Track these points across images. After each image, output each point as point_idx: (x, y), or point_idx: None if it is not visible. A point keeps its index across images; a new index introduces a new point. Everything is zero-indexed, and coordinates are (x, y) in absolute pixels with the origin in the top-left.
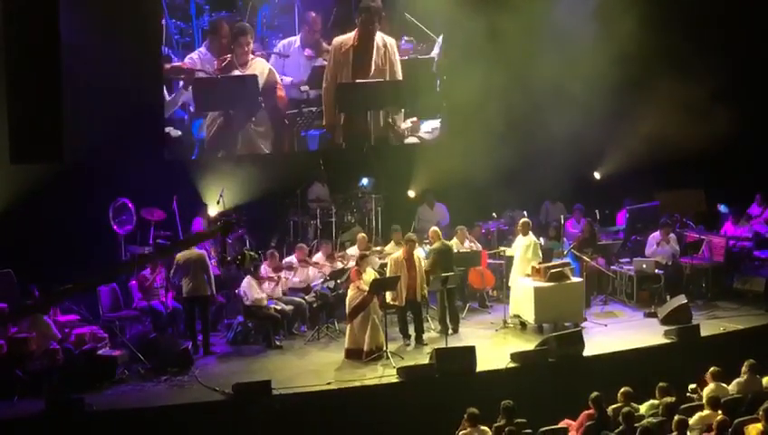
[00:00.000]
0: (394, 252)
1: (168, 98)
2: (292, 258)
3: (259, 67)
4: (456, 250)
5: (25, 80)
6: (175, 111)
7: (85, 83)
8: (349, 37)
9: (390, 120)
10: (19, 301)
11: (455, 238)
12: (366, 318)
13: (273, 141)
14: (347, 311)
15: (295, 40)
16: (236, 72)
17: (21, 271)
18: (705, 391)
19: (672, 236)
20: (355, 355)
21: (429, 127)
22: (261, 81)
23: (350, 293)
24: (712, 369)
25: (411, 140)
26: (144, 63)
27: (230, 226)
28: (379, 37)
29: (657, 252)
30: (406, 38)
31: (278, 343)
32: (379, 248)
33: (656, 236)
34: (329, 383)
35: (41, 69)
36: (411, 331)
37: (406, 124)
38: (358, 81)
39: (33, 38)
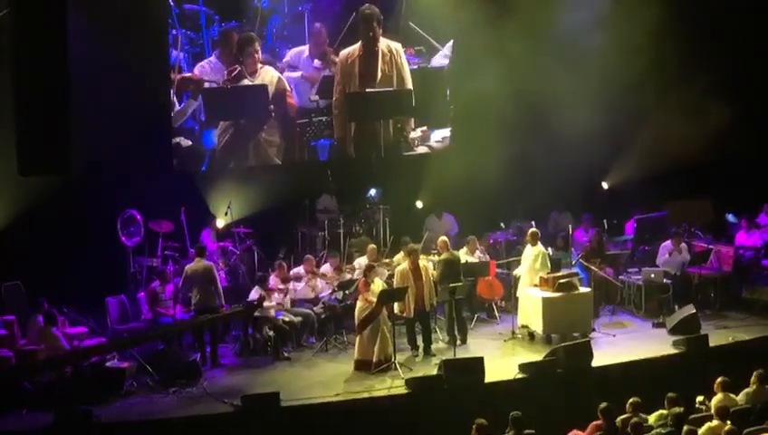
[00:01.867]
0: (403, 263)
1: (178, 107)
2: (300, 269)
3: (268, 76)
4: (465, 261)
5: (33, 91)
6: (186, 121)
7: (93, 94)
8: (354, 48)
9: (400, 126)
10: (28, 313)
11: (465, 248)
12: (375, 329)
13: (283, 151)
14: (356, 322)
15: (304, 50)
16: (246, 82)
17: (29, 283)
18: (714, 402)
19: (683, 245)
20: (364, 366)
21: (439, 136)
22: (270, 89)
23: (358, 304)
24: (720, 379)
25: (421, 149)
26: (152, 74)
27: (252, 308)
28: (384, 43)
29: (669, 262)
30: (415, 48)
31: (286, 354)
32: (387, 260)
33: (667, 245)
34: (337, 395)
35: (49, 80)
36: (419, 342)
37: (416, 133)
38: (367, 90)
39: (40, 50)
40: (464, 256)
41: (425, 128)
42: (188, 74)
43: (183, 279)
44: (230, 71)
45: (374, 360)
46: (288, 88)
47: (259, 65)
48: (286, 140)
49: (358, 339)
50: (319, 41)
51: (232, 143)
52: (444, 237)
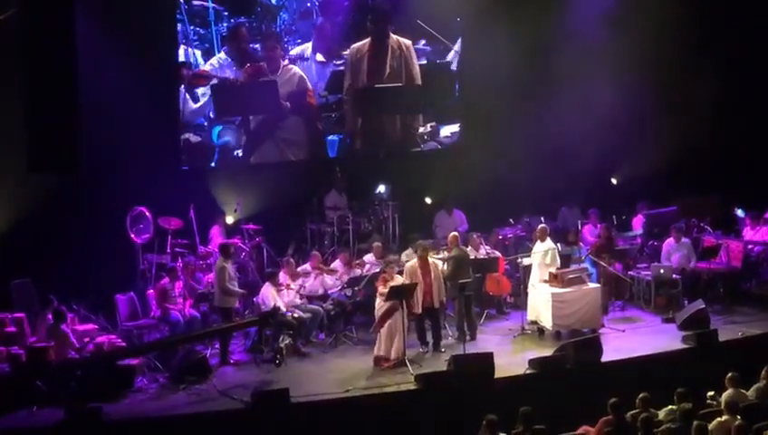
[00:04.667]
0: (411, 259)
1: (193, 105)
2: (307, 266)
3: (289, 74)
4: (475, 257)
5: (43, 89)
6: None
7: (102, 92)
8: (363, 43)
9: (408, 122)
10: (38, 311)
11: (468, 246)
12: (393, 326)
13: (302, 149)
14: (375, 318)
15: (308, 47)
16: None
17: (39, 280)
18: (724, 397)
19: (685, 240)
20: (383, 362)
21: (448, 131)
22: (290, 88)
23: (377, 300)
24: (730, 374)
25: (430, 145)
26: (160, 71)
27: (266, 318)
28: (394, 40)
29: (673, 260)
30: (423, 41)
31: (303, 350)
32: (396, 256)
33: (669, 243)
34: (347, 391)
35: (58, 78)
36: (429, 338)
37: (425, 129)
38: (376, 85)
39: (49, 49)
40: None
41: (433, 123)
42: (198, 70)
43: None
44: (252, 67)
45: (392, 356)
46: (310, 88)
47: (283, 62)
48: (309, 138)
49: (378, 335)
50: (323, 35)
51: (248, 141)
52: (455, 233)
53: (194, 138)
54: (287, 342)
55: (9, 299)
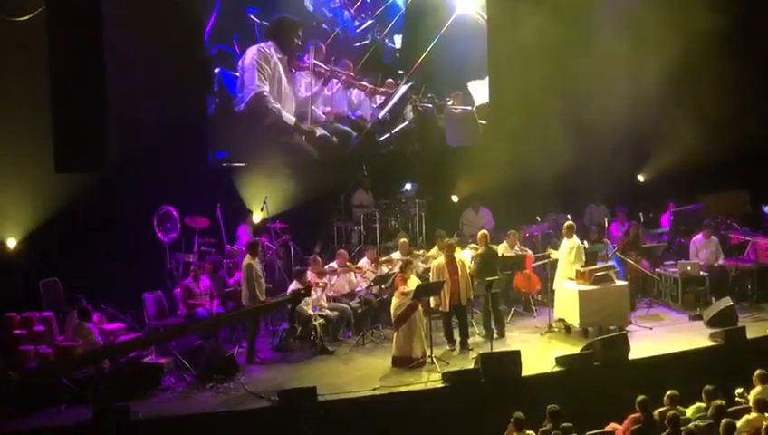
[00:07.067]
0: (438, 256)
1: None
2: (334, 264)
3: None
4: (502, 254)
5: (70, 89)
6: None
7: (129, 91)
8: None
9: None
10: (66, 310)
11: (505, 242)
12: (413, 326)
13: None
14: (392, 318)
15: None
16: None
17: (68, 280)
18: (752, 394)
19: (714, 238)
20: (402, 363)
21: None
22: None
23: (394, 301)
24: (759, 371)
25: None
26: (189, 69)
27: (299, 296)
28: None
29: (700, 257)
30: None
31: (330, 348)
32: (422, 252)
33: (697, 240)
34: (374, 389)
35: (85, 78)
36: (456, 336)
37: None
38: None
39: (77, 48)
40: (503, 250)
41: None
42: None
43: None
44: None
45: (413, 356)
46: None
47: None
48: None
49: (395, 336)
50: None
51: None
52: (484, 231)
53: None
54: (321, 321)
55: (38, 298)
